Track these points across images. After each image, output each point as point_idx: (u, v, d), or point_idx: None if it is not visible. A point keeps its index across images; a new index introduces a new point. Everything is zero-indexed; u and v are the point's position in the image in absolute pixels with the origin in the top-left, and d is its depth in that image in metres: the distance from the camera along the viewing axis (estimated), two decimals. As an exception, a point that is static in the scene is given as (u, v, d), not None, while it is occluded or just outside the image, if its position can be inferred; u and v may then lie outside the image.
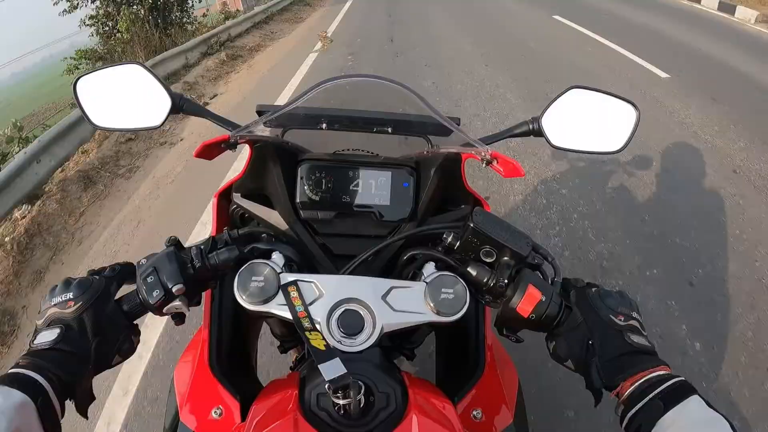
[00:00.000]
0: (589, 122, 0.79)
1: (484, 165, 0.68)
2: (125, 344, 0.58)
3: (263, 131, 0.78)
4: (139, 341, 0.60)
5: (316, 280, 0.58)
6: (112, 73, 0.77)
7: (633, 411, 0.49)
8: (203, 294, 0.66)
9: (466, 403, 0.70)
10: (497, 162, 0.67)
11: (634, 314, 0.56)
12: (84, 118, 0.79)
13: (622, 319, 0.55)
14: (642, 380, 0.50)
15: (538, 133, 0.78)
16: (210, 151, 0.66)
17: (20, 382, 0.46)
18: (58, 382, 0.49)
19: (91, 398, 0.54)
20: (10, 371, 0.48)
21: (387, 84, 0.66)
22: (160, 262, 0.57)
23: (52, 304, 0.54)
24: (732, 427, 0.44)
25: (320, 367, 0.50)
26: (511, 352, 0.81)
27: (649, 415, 0.47)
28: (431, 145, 0.79)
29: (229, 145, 0.66)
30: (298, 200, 0.74)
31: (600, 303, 0.56)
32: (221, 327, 0.76)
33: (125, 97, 0.77)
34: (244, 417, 0.64)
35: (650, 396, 0.48)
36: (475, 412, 0.68)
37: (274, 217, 0.77)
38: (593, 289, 0.58)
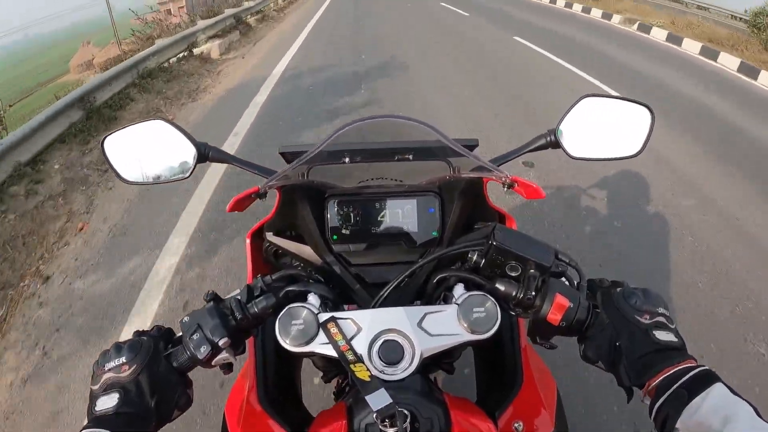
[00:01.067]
0: (604, 129, 0.80)
1: (505, 189, 0.69)
2: (182, 398, 0.60)
3: (289, 171, 0.80)
4: (193, 392, 0.63)
5: (353, 316, 0.60)
6: (137, 130, 0.80)
7: (659, 402, 0.51)
8: (246, 341, 0.69)
9: (507, 416, 0.72)
10: (517, 185, 0.68)
11: (660, 309, 0.57)
12: (114, 174, 0.82)
13: (648, 317, 0.56)
14: (668, 374, 0.52)
15: (556, 145, 0.79)
16: (242, 203, 0.69)
17: None
18: None
19: None
20: None
21: (408, 123, 0.68)
22: (203, 319, 0.60)
23: (106, 369, 0.56)
24: (756, 411, 0.46)
25: (367, 398, 0.52)
26: (547, 358, 0.84)
27: (675, 404, 0.49)
28: (452, 169, 0.81)
29: (260, 195, 0.69)
30: (328, 235, 0.77)
31: (624, 303, 0.58)
32: (266, 363, 0.79)
33: (152, 152, 0.80)
34: None
35: (675, 386, 0.50)
36: (516, 424, 0.71)
37: (306, 251, 0.79)
38: (618, 290, 0.60)
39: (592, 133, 0.80)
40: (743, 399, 0.47)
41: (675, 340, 0.55)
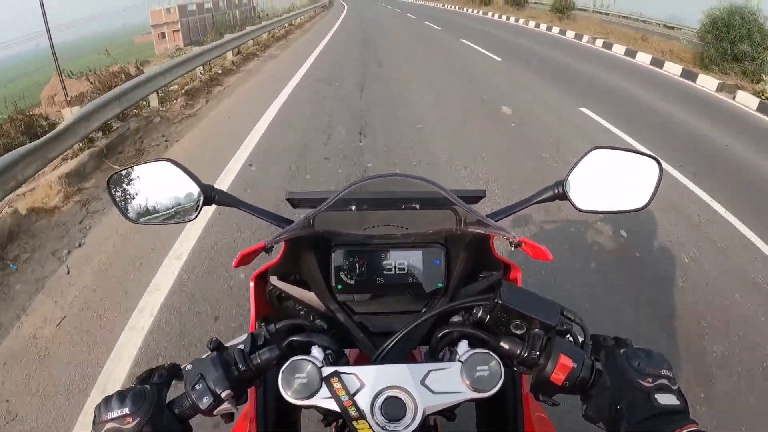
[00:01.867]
0: (612, 181, 0.80)
1: (513, 248, 0.69)
2: None
3: (294, 217, 0.80)
4: None
5: (356, 372, 0.60)
6: (143, 170, 0.80)
7: None
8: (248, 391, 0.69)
9: None
10: (524, 245, 0.68)
11: (663, 371, 0.57)
12: (120, 213, 0.81)
13: (650, 380, 0.56)
14: None
15: (563, 197, 0.79)
16: (248, 257, 0.69)
17: None
18: None
19: None
20: None
21: (415, 181, 0.69)
22: (206, 369, 0.59)
23: (109, 418, 0.55)
24: None
25: None
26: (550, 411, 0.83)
27: None
28: (459, 219, 0.81)
29: (266, 249, 0.69)
30: (333, 284, 0.76)
31: (628, 366, 0.57)
32: (267, 413, 0.79)
33: (158, 192, 0.80)
34: None
35: None
36: None
37: (310, 297, 0.79)
38: (622, 350, 0.60)
39: (599, 185, 0.80)
40: None
41: (677, 403, 0.54)
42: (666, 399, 0.54)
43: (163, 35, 11.24)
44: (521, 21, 17.84)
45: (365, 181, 0.66)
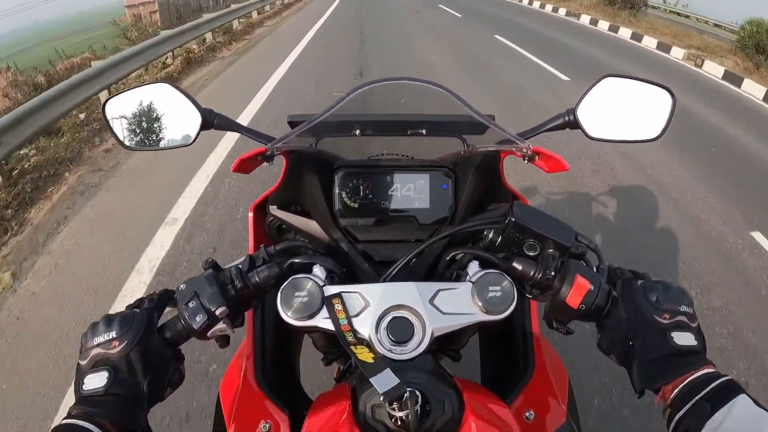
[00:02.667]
0: (624, 111, 0.78)
1: (525, 162, 0.67)
2: (175, 375, 0.57)
3: (297, 142, 0.77)
4: (185, 368, 0.59)
5: (361, 290, 0.57)
6: (141, 93, 0.77)
7: (680, 414, 0.48)
8: (245, 313, 0.65)
9: (518, 405, 0.69)
10: (539, 158, 0.66)
11: (682, 308, 0.54)
12: (115, 140, 0.79)
13: (667, 317, 0.53)
14: (686, 382, 0.49)
15: (575, 125, 0.77)
16: (247, 164, 0.66)
17: None
18: (116, 428, 0.48)
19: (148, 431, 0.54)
20: (63, 422, 0.47)
21: (419, 84, 0.65)
22: (201, 286, 0.56)
23: (95, 344, 0.52)
24: None
25: (372, 380, 0.49)
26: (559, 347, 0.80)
27: (697, 418, 0.46)
28: (467, 145, 0.78)
29: (266, 157, 0.66)
30: (336, 208, 0.74)
31: (644, 300, 0.54)
32: (264, 342, 0.75)
33: (155, 117, 0.77)
34: (293, 430, 0.64)
35: (696, 398, 0.47)
36: (527, 414, 0.68)
37: (311, 226, 0.76)
38: (639, 282, 0.57)
39: (611, 114, 0.77)
40: None
41: (694, 343, 0.52)
42: (683, 338, 0.52)
43: (139, 17, 10.12)
44: (562, 12, 13.39)
45: (373, 84, 0.63)
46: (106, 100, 0.78)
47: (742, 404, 0.45)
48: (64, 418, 0.47)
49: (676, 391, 0.49)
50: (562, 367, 0.77)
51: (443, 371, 0.58)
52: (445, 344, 0.81)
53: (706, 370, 0.49)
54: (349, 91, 0.63)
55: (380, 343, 0.54)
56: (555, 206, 3.12)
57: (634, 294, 0.55)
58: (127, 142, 0.78)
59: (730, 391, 0.46)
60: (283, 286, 0.57)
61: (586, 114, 0.77)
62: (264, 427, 0.65)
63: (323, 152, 0.73)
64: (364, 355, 0.52)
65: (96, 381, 0.50)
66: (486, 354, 0.86)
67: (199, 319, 0.55)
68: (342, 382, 0.78)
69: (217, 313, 0.55)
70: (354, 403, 0.52)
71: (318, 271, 0.60)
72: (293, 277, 0.57)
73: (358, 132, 0.76)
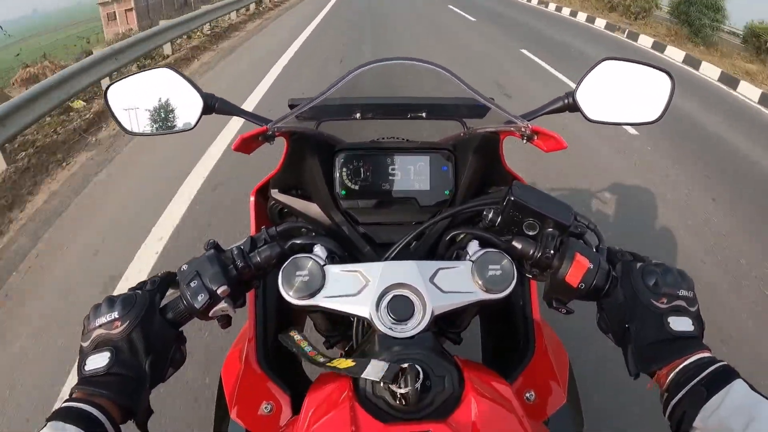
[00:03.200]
0: (623, 93, 0.78)
1: (524, 141, 0.67)
2: (177, 355, 0.57)
3: (298, 125, 0.78)
4: (186, 350, 0.60)
5: (361, 269, 0.57)
6: (143, 79, 0.78)
7: (676, 399, 0.48)
8: (247, 294, 0.66)
9: (518, 385, 0.69)
10: (538, 137, 0.66)
11: (681, 292, 0.53)
12: (117, 125, 0.79)
13: (665, 301, 0.53)
14: (681, 367, 0.49)
15: (574, 107, 0.77)
16: (248, 144, 0.66)
17: (75, 416, 0.45)
18: (118, 408, 0.49)
19: (150, 412, 0.54)
20: (64, 404, 0.47)
21: (418, 65, 0.66)
22: (202, 266, 0.57)
23: (98, 324, 0.52)
24: None
25: (364, 376, 0.49)
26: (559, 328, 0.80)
27: (693, 403, 0.46)
28: (467, 128, 0.78)
29: (267, 137, 0.66)
30: (337, 190, 0.74)
31: (641, 283, 0.54)
32: (266, 324, 0.76)
33: (157, 102, 0.77)
34: (295, 411, 0.64)
35: (693, 383, 0.47)
36: (528, 394, 0.68)
37: (312, 210, 0.77)
38: (638, 265, 0.56)
39: (610, 96, 0.77)
40: (765, 397, 0.45)
41: (690, 329, 0.52)
42: (679, 323, 0.52)
43: (113, 15, 9.08)
44: (619, 32, 9.87)
45: (372, 64, 0.64)
46: (108, 86, 0.78)
47: (738, 389, 0.45)
48: (65, 401, 0.48)
49: (671, 375, 0.50)
50: (562, 350, 0.77)
51: (443, 349, 0.58)
52: (446, 327, 0.81)
53: (701, 355, 0.50)
54: (348, 72, 0.64)
55: (381, 321, 0.54)
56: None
57: (632, 277, 0.55)
58: (128, 127, 0.79)
59: (726, 376, 0.47)
60: (285, 265, 0.57)
61: (585, 97, 0.77)
62: (266, 408, 0.65)
63: (324, 135, 0.74)
64: (343, 364, 0.52)
65: (98, 361, 0.50)
66: (487, 336, 0.86)
67: (201, 299, 0.55)
68: None
69: (219, 292, 0.56)
70: (355, 380, 0.52)
71: (319, 250, 0.61)
72: (294, 256, 0.58)
73: (358, 115, 0.76)
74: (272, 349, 0.75)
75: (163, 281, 0.59)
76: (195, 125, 0.77)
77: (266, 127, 0.64)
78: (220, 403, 0.70)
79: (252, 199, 0.78)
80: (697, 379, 0.47)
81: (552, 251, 0.58)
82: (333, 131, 0.78)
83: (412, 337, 0.54)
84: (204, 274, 0.56)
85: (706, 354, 0.50)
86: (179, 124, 0.78)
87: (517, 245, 0.60)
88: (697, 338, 0.52)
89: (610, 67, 0.78)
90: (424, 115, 0.76)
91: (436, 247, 0.71)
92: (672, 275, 0.54)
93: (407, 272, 0.57)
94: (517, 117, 0.66)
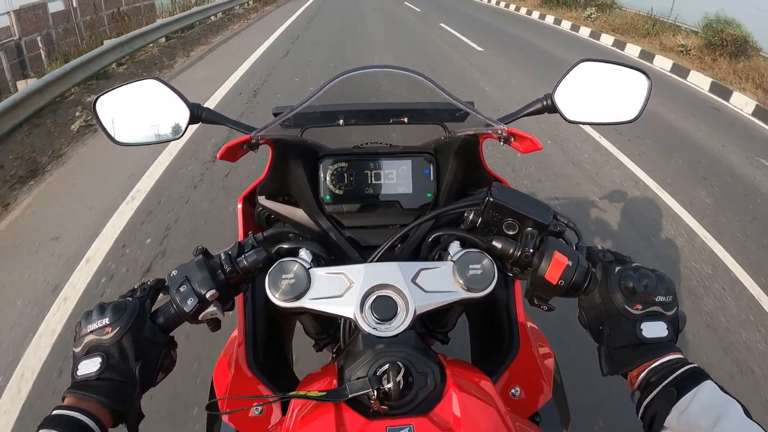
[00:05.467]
0: (601, 94, 0.80)
1: (501, 143, 0.69)
2: (166, 360, 0.58)
3: (282, 133, 0.79)
4: (176, 355, 0.61)
5: (345, 271, 0.59)
6: (130, 90, 0.79)
7: (647, 400, 0.49)
8: (236, 298, 0.67)
9: (503, 381, 0.70)
10: (515, 139, 0.68)
11: (658, 298, 0.53)
12: (106, 136, 0.81)
13: (639, 308, 0.53)
14: (651, 368, 0.51)
15: (552, 109, 0.79)
16: (233, 152, 0.68)
17: (65, 424, 0.46)
18: (109, 413, 0.50)
19: (141, 416, 0.55)
20: (54, 412, 0.48)
21: (399, 72, 0.67)
22: (191, 271, 0.58)
23: (89, 330, 0.54)
24: (744, 409, 0.45)
25: (348, 394, 0.50)
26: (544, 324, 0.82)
27: (663, 403, 0.48)
28: (448, 131, 0.80)
29: (251, 145, 0.67)
30: (321, 196, 0.76)
31: (617, 288, 0.54)
32: (255, 327, 0.77)
33: (144, 112, 0.79)
34: (284, 412, 0.65)
35: (663, 384, 0.48)
36: (513, 390, 0.69)
37: (299, 215, 0.78)
38: (617, 269, 0.56)
39: (588, 97, 0.79)
40: (733, 397, 0.46)
41: (664, 334, 0.52)
42: (652, 329, 0.52)
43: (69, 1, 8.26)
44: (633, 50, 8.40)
45: (353, 72, 0.65)
46: (97, 98, 0.80)
47: (707, 390, 0.46)
48: (55, 408, 0.49)
49: (641, 376, 0.51)
50: (548, 346, 0.78)
51: (426, 347, 0.60)
52: (434, 327, 0.83)
53: (671, 357, 0.51)
54: (329, 79, 0.65)
55: (365, 321, 0.56)
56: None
57: (609, 281, 0.56)
58: (117, 138, 0.80)
59: (695, 377, 0.48)
60: (271, 269, 0.59)
61: (563, 98, 0.79)
62: (256, 409, 0.66)
63: (307, 141, 0.75)
64: (314, 393, 0.52)
65: (89, 366, 0.51)
66: (474, 336, 0.88)
67: (190, 303, 0.57)
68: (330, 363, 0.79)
69: (208, 296, 0.57)
70: (340, 379, 0.53)
71: (304, 254, 0.62)
72: (280, 260, 0.59)
73: (341, 122, 0.78)
74: (263, 352, 0.77)
75: (153, 287, 0.60)
76: (182, 134, 0.78)
77: (250, 136, 0.65)
78: (212, 405, 0.71)
79: (239, 206, 0.79)
80: (668, 380, 0.48)
81: (531, 250, 0.60)
82: (317, 138, 0.79)
83: (396, 335, 0.55)
84: (193, 278, 0.58)
85: (677, 355, 0.51)
86: (167, 133, 0.79)
87: (498, 245, 0.62)
88: (669, 342, 0.52)
89: (587, 68, 0.79)
90: (406, 120, 0.78)
91: (420, 249, 0.72)
92: (650, 280, 0.54)
93: (390, 273, 0.58)
94: (494, 120, 0.68)
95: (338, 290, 0.58)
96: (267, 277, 0.58)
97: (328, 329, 0.82)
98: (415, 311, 0.56)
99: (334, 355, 0.98)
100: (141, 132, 0.80)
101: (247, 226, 0.80)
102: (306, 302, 0.57)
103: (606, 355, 0.55)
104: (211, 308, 0.59)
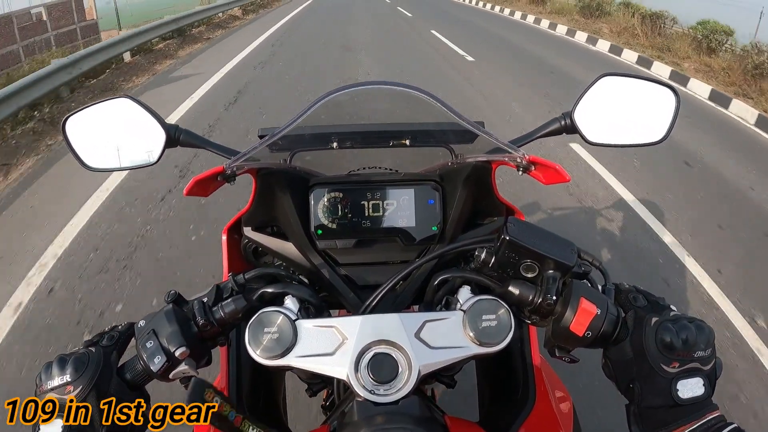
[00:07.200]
0: (624, 112, 0.72)
1: (520, 173, 0.61)
2: (137, 420, 0.51)
3: (269, 158, 0.71)
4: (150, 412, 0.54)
5: (337, 324, 0.51)
6: (101, 109, 0.71)
7: None
8: (219, 348, 0.60)
9: None
10: (536, 167, 0.59)
11: (698, 353, 0.47)
12: (77, 161, 0.73)
13: (677, 365, 0.46)
14: (689, 431, 0.45)
15: (572, 129, 0.71)
16: (204, 186, 0.60)
17: None
18: None
19: None
20: None
21: (400, 90, 0.59)
22: (159, 324, 0.51)
23: (49, 388, 0.47)
24: None
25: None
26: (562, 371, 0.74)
27: None
28: (455, 155, 0.72)
29: (226, 177, 0.60)
30: (312, 230, 0.67)
31: (653, 343, 0.48)
32: (240, 376, 0.69)
33: (117, 134, 0.71)
34: None
35: None
36: None
37: (289, 249, 0.70)
38: (653, 320, 0.49)
39: (611, 115, 0.71)
40: None
41: (701, 392, 0.46)
42: (689, 389, 0.46)
43: None
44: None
45: (344, 90, 0.57)
46: (66, 118, 0.72)
47: None
48: None
49: None
50: (566, 395, 0.70)
51: (432, 413, 0.52)
52: (439, 369, 0.75)
53: (710, 417, 0.45)
54: (318, 97, 0.57)
55: (360, 384, 0.48)
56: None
57: (644, 334, 0.49)
58: (87, 162, 0.72)
59: None
60: (251, 321, 0.51)
61: (583, 117, 0.71)
62: None
63: (296, 168, 0.67)
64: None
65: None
66: (483, 382, 0.79)
67: (158, 361, 0.49)
68: (328, 415, 0.71)
69: (177, 354, 0.50)
70: None
71: (290, 302, 0.54)
72: (262, 311, 0.52)
73: (335, 144, 0.69)
74: (249, 406, 0.68)
75: (121, 334, 0.54)
76: (158, 160, 0.71)
77: (222, 167, 0.57)
78: None
79: (224, 237, 0.71)
80: None
81: (554, 297, 0.52)
82: (309, 163, 0.71)
83: (397, 402, 0.48)
84: (161, 333, 0.50)
85: (716, 414, 0.45)
86: (141, 158, 0.71)
87: (514, 290, 0.54)
88: (706, 400, 0.46)
89: (609, 83, 0.71)
90: (407, 142, 0.70)
91: (424, 290, 0.64)
92: (689, 334, 0.47)
93: (389, 327, 0.51)
94: (509, 145, 0.60)
95: (329, 347, 0.50)
96: (247, 330, 0.51)
97: (322, 374, 0.74)
98: (419, 372, 0.49)
99: (329, 392, 0.89)
100: (113, 156, 0.72)
101: (233, 259, 0.72)
102: (292, 360, 0.50)
103: (636, 415, 0.49)
104: (183, 366, 0.51)
